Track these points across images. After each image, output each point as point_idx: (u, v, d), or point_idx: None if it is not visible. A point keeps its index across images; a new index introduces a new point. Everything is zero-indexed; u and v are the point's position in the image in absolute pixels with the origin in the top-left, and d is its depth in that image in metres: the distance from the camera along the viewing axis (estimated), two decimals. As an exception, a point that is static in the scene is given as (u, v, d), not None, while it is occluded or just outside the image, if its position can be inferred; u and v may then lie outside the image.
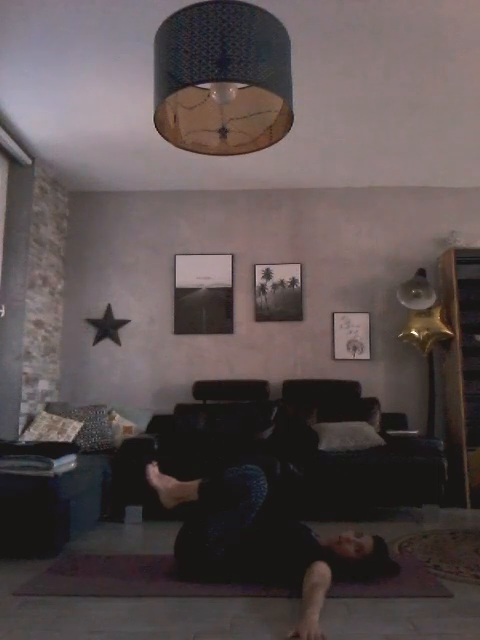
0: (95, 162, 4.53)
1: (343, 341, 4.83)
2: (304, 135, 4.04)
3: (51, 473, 2.89)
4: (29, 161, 4.34)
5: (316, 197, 5.06)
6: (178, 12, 1.84)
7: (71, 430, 4.14)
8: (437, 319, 4.50)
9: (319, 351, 4.84)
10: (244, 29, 1.78)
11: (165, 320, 4.92)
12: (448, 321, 4.53)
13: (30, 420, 4.26)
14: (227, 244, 5.02)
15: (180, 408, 4.46)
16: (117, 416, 4.37)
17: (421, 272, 4.69)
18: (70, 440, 4.08)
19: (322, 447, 3.87)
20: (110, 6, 2.74)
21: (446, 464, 3.69)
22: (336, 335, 4.84)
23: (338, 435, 3.92)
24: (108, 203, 5.11)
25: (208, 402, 4.57)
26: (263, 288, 4.92)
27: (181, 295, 4.93)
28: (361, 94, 3.53)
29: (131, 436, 4.06)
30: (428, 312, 4.55)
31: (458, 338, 4.39)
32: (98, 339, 4.89)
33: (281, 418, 4.32)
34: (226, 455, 3.67)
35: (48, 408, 4.48)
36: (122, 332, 4.92)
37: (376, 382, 4.76)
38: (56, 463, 2.94)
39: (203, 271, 4.95)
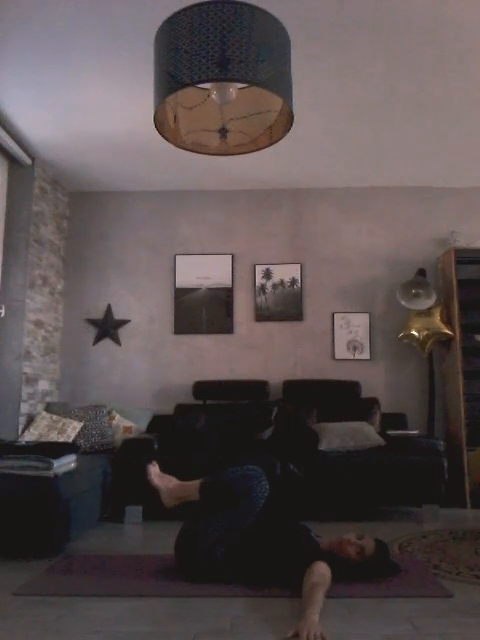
0: (95, 162, 4.53)
1: (343, 341, 4.83)
2: (304, 135, 4.04)
3: (51, 473, 2.89)
4: (29, 161, 4.34)
5: (316, 197, 5.06)
6: (178, 12, 1.84)
7: (71, 430, 4.14)
8: (437, 319, 4.50)
9: (319, 351, 4.84)
10: (244, 29, 1.78)
11: (165, 320, 4.92)
12: (448, 321, 4.53)
13: (30, 420, 4.26)
14: (227, 244, 5.02)
15: (180, 408, 4.46)
16: (117, 416, 4.37)
17: (421, 272, 4.69)
18: (70, 440, 4.08)
19: (322, 447, 3.87)
20: (110, 6, 2.74)
21: (446, 464, 3.69)
22: (336, 335, 4.84)
23: (338, 435, 3.92)
24: (108, 203, 5.11)
25: (208, 402, 4.57)
26: (263, 288, 4.92)
27: (181, 295, 4.93)
28: (361, 94, 3.53)
29: (131, 436, 4.06)
30: (428, 312, 4.55)
31: (458, 338, 4.39)
32: (98, 339, 4.89)
33: (281, 418, 4.32)
34: (226, 455, 3.67)
35: (48, 408, 4.48)
36: (122, 332, 4.92)
37: (376, 382, 4.76)
38: (56, 463, 2.93)
39: (203, 271, 4.95)
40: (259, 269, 4.95)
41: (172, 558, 2.63)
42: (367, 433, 3.95)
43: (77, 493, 3.13)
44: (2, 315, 4.18)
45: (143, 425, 4.41)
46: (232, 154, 2.26)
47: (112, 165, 4.59)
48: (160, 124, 2.06)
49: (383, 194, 5.03)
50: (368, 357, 4.79)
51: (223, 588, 2.32)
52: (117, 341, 4.89)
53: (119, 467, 3.70)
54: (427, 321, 4.52)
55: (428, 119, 3.83)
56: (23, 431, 4.14)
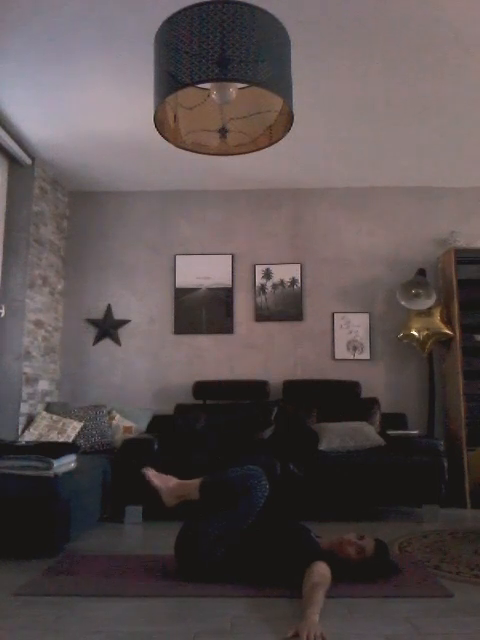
0: (95, 162, 4.53)
1: (343, 341, 4.83)
2: (304, 135, 4.04)
3: (51, 473, 2.89)
4: (29, 161, 4.34)
5: (316, 197, 5.06)
6: (178, 12, 1.83)
7: (71, 430, 4.14)
8: (437, 319, 4.50)
9: (319, 351, 4.84)
10: (244, 29, 1.78)
11: (165, 320, 4.93)
12: (448, 321, 4.53)
13: (30, 420, 4.26)
14: (227, 244, 5.02)
15: (180, 408, 4.46)
16: (117, 416, 4.37)
17: (421, 272, 4.69)
18: (70, 440, 4.08)
19: (322, 447, 3.87)
20: (110, 6, 2.74)
21: (446, 464, 3.69)
22: (336, 335, 4.84)
23: (338, 435, 3.92)
24: (108, 203, 5.11)
25: (208, 402, 4.57)
26: (263, 288, 4.92)
27: (181, 295, 4.93)
28: (361, 94, 3.53)
29: (131, 436, 4.06)
30: (428, 312, 4.55)
31: (458, 338, 4.39)
32: (98, 339, 4.89)
33: (281, 418, 4.32)
34: (226, 455, 3.67)
35: (48, 408, 4.48)
36: (122, 332, 4.92)
37: (376, 382, 4.76)
38: (56, 463, 2.93)
39: (203, 271, 4.95)
40: (259, 269, 4.95)
41: (172, 558, 2.63)
42: (367, 433, 3.95)
43: (77, 493, 3.12)
44: (2, 315, 4.18)
45: (143, 425, 4.41)
46: (232, 154, 2.26)
47: (112, 165, 4.59)
48: (160, 124, 2.06)
49: (383, 194, 5.03)
50: (368, 357, 4.79)
51: (223, 588, 2.32)
52: (117, 341, 4.89)
53: (119, 467, 3.70)
54: (427, 321, 4.52)
55: (428, 119, 3.83)
56: (23, 431, 4.14)
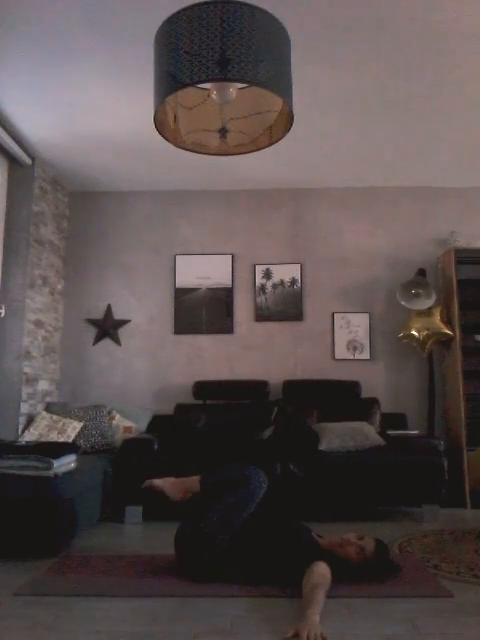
0: (95, 162, 4.53)
1: (343, 341, 4.83)
2: (304, 135, 4.04)
3: (51, 473, 2.89)
4: (29, 161, 4.34)
5: (316, 197, 5.06)
6: (178, 12, 1.83)
7: (71, 430, 4.14)
8: (437, 319, 4.50)
9: (319, 351, 4.84)
10: (244, 29, 1.78)
11: (165, 320, 4.93)
12: (448, 321, 4.53)
13: (30, 420, 4.26)
14: (227, 244, 5.02)
15: (180, 408, 4.46)
16: (117, 416, 4.37)
17: (421, 272, 4.69)
18: (70, 440, 4.08)
19: (322, 447, 3.87)
20: (110, 6, 2.74)
21: (446, 464, 3.69)
22: (336, 335, 4.84)
23: (338, 435, 3.92)
24: (108, 203, 5.11)
25: (208, 402, 4.57)
26: (263, 288, 4.92)
27: (181, 295, 4.93)
28: (361, 94, 3.53)
29: (131, 436, 4.06)
30: (428, 312, 4.55)
31: (458, 338, 4.39)
32: (98, 339, 4.89)
33: (281, 418, 4.32)
34: (226, 455, 3.67)
35: (48, 408, 4.48)
36: (122, 332, 4.92)
37: (376, 382, 4.76)
38: (56, 463, 2.93)
39: (203, 271, 4.95)
40: (259, 269, 4.95)
41: (172, 558, 2.63)
42: (367, 433, 3.95)
43: (77, 493, 3.12)
44: (2, 315, 4.18)
45: (143, 425, 4.41)
46: (232, 154, 2.26)
47: (112, 165, 4.59)
48: (160, 124, 2.06)
49: (383, 194, 5.03)
50: (368, 357, 4.79)
51: (223, 588, 2.33)
52: (117, 341, 4.89)
53: (119, 467, 3.70)
54: (427, 321, 4.52)
55: (428, 119, 3.83)
56: (23, 431, 4.14)
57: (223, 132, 2.19)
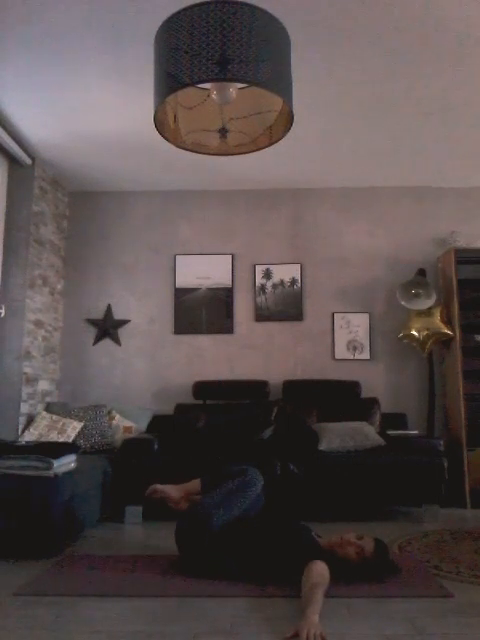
0: (95, 162, 4.53)
1: (343, 341, 4.83)
2: (304, 135, 4.04)
3: (51, 473, 2.89)
4: (29, 161, 4.34)
5: (316, 197, 5.06)
6: (178, 12, 1.83)
7: (71, 430, 4.14)
8: (437, 319, 4.50)
9: (319, 351, 4.84)
10: (244, 29, 1.78)
11: (165, 320, 4.93)
12: (448, 321, 4.53)
13: (30, 420, 4.26)
14: (227, 244, 5.02)
15: (180, 408, 4.46)
16: (117, 416, 4.37)
17: (421, 272, 4.69)
18: (70, 440, 4.08)
19: (322, 447, 3.87)
20: (110, 6, 2.74)
21: (446, 464, 3.69)
22: (336, 335, 4.84)
23: (338, 435, 3.92)
24: (108, 203, 5.11)
25: (208, 402, 4.57)
26: (263, 288, 4.92)
27: (181, 295, 4.93)
28: (361, 94, 3.53)
29: (131, 436, 4.06)
30: (428, 312, 4.55)
31: (458, 338, 4.39)
32: (98, 339, 4.89)
33: (281, 418, 4.32)
34: (226, 455, 3.67)
35: (48, 408, 4.48)
36: (122, 332, 4.92)
37: (376, 382, 4.76)
38: (56, 463, 2.93)
39: (203, 271, 4.95)
40: (259, 269, 4.95)
41: (172, 557, 2.64)
42: (367, 433, 3.95)
43: (77, 493, 3.13)
44: (2, 315, 4.18)
45: (143, 425, 4.41)
46: (232, 154, 2.26)
47: (112, 165, 4.59)
48: (160, 124, 2.06)
49: (383, 194, 5.04)
50: (368, 357, 4.79)
51: (223, 587, 2.33)
52: (117, 341, 4.89)
53: (119, 467, 3.70)
54: (427, 321, 4.52)
55: (428, 119, 3.83)
56: (23, 431, 4.14)
57: (223, 132, 2.19)
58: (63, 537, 2.95)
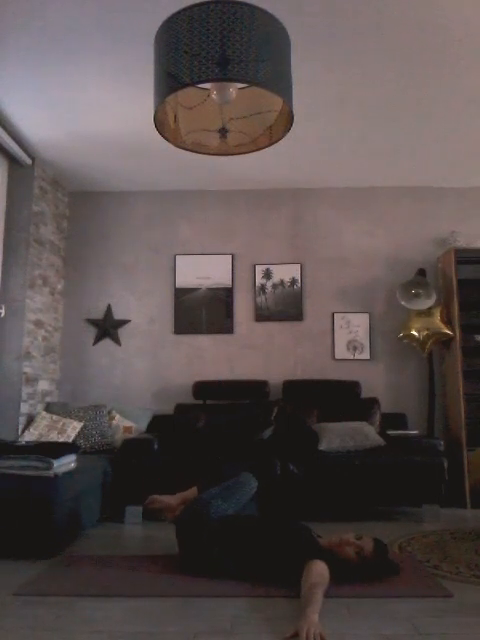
0: (95, 162, 4.53)
1: (343, 341, 4.83)
2: (304, 135, 4.04)
3: (51, 473, 2.89)
4: (29, 161, 4.34)
5: (316, 197, 5.06)
6: (178, 12, 1.83)
7: (71, 430, 4.14)
8: (437, 319, 4.50)
9: (319, 351, 4.84)
10: (244, 29, 1.78)
11: (165, 320, 4.93)
12: (448, 321, 4.53)
13: (30, 420, 4.26)
14: (227, 244, 5.02)
15: (180, 408, 4.46)
16: (117, 416, 4.37)
17: (421, 272, 4.69)
18: (70, 440, 4.08)
19: (322, 447, 3.87)
20: (110, 6, 2.74)
21: (446, 464, 3.69)
22: (336, 335, 4.84)
23: (338, 435, 3.92)
24: (108, 203, 5.11)
25: (208, 402, 4.57)
26: (263, 288, 4.92)
27: (181, 295, 4.93)
28: (361, 94, 3.53)
29: (131, 436, 4.06)
30: (428, 312, 4.55)
31: (458, 338, 4.39)
32: (98, 339, 4.89)
33: (281, 418, 4.32)
34: (226, 455, 3.67)
35: (48, 408, 4.48)
36: (122, 332, 4.92)
37: (376, 382, 4.76)
38: (56, 463, 2.94)
39: (203, 271, 4.95)
40: (259, 269, 4.95)
41: (172, 558, 2.64)
42: (367, 433, 3.95)
43: (77, 493, 3.13)
44: (2, 315, 4.18)
45: (143, 425, 4.41)
46: (232, 154, 2.26)
47: (112, 165, 4.59)
48: (160, 124, 2.06)
49: (383, 194, 5.04)
50: (368, 357, 4.79)
51: (223, 587, 2.33)
52: (117, 341, 4.89)
53: (119, 467, 3.70)
54: (427, 321, 4.52)
55: (428, 119, 3.83)
56: (23, 431, 4.14)
57: (223, 132, 2.19)
58: (63, 537, 2.95)
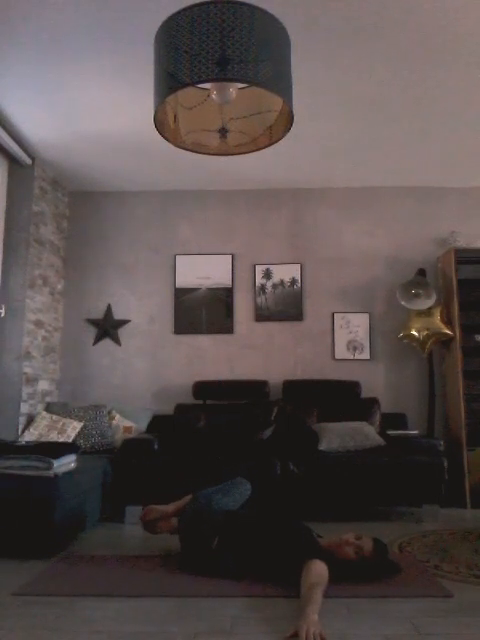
0: (95, 162, 4.53)
1: (343, 341, 4.83)
2: (304, 135, 4.04)
3: (51, 473, 2.89)
4: (29, 161, 4.34)
5: (316, 197, 5.06)
6: (178, 12, 1.83)
7: (71, 430, 4.14)
8: (437, 319, 4.50)
9: (319, 351, 4.84)
10: (244, 29, 1.78)
11: (165, 320, 4.93)
12: (448, 321, 4.53)
13: (30, 420, 4.26)
14: (227, 244, 5.02)
15: (180, 408, 4.46)
16: (117, 416, 4.37)
17: (421, 272, 4.69)
18: (70, 440, 4.08)
19: (322, 447, 3.87)
20: (110, 6, 2.74)
21: (446, 464, 3.69)
22: (336, 335, 4.84)
23: (338, 435, 3.92)
24: (108, 203, 5.11)
25: (208, 402, 4.57)
26: (263, 288, 4.92)
27: (181, 295, 4.93)
28: (361, 94, 3.53)
29: (131, 436, 4.06)
30: (428, 312, 4.55)
31: (458, 338, 4.39)
32: (98, 339, 4.89)
33: (281, 418, 4.32)
34: (226, 455, 3.67)
35: (48, 408, 4.48)
36: (122, 332, 4.92)
37: (376, 382, 4.76)
38: (56, 463, 2.94)
39: (203, 271, 4.95)
40: (259, 269, 4.95)
41: (172, 558, 2.64)
42: (367, 433, 3.95)
43: (77, 493, 3.13)
44: (2, 315, 4.18)
45: (143, 425, 4.41)
46: (232, 154, 2.26)
47: (112, 165, 4.59)
48: (160, 124, 2.06)
49: (383, 194, 5.03)
50: (368, 357, 4.79)
51: (223, 587, 2.33)
52: (117, 341, 4.89)
53: (119, 467, 3.70)
54: (427, 321, 4.52)
55: (428, 119, 3.83)
56: (23, 431, 4.14)
57: (223, 132, 2.19)
58: (63, 537, 2.95)
